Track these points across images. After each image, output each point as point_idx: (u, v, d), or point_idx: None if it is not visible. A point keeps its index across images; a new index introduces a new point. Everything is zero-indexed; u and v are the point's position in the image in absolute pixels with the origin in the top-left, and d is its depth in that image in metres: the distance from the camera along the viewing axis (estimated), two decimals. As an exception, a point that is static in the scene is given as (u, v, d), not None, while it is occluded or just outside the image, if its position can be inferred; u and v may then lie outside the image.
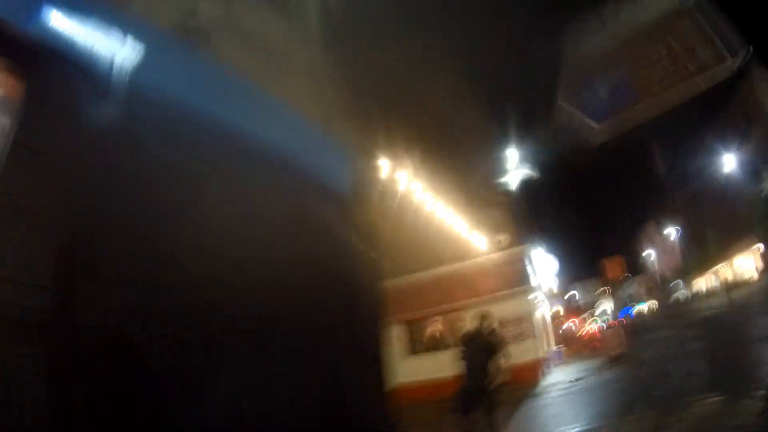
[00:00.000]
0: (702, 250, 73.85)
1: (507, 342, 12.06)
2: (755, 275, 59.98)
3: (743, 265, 64.80)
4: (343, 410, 7.33)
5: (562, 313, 65.14)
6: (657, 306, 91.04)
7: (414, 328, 32.84)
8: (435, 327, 33.36)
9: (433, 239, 29.42)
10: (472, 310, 29.44)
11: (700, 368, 17.53)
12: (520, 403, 21.58)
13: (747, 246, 61.57)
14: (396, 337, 30.71)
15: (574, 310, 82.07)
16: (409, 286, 32.55)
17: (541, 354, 31.62)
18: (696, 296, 75.63)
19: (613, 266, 33.69)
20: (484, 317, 12.97)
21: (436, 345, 32.54)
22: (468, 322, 13.19)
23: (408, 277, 32.64)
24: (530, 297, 32.72)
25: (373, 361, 9.29)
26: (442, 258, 32.70)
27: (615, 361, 28.20)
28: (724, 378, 14.37)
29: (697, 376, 16.23)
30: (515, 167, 33.89)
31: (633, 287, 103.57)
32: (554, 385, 26.09)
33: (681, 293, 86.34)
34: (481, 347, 12.14)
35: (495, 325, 13.13)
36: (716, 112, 63.89)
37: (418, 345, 32.69)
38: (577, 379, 25.94)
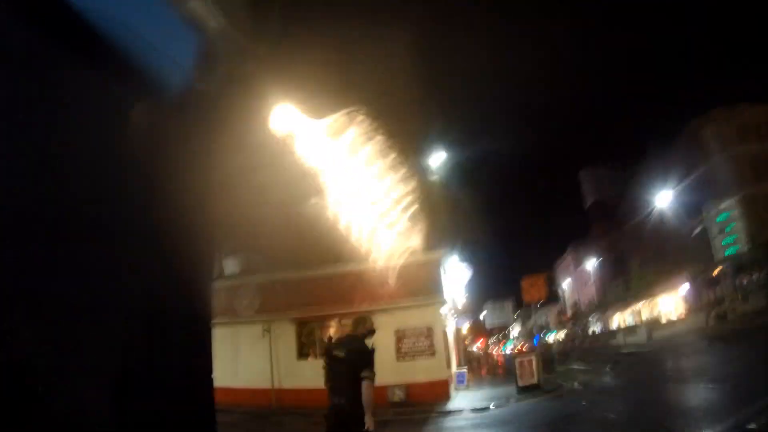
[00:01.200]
0: (623, 285, 72.39)
1: (373, 362, 8.73)
2: (676, 316, 60.22)
3: (666, 304, 64.92)
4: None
5: (469, 332, 61.22)
6: (570, 337, 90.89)
7: (305, 329, 29.60)
8: (328, 331, 30.20)
9: (334, 230, 26.27)
10: (375, 318, 27.16)
11: (618, 410, 16.97)
12: (418, 430, 18.96)
13: (672, 286, 61.39)
14: (281, 336, 29.33)
15: (483, 330, 79.79)
16: (303, 281, 30.15)
17: (445, 375, 28.50)
18: (612, 332, 73.69)
19: (533, 286, 31.52)
20: (359, 322, 9.78)
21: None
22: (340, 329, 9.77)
23: (301, 272, 30.32)
24: (440, 310, 29.25)
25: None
26: (343, 255, 29.50)
27: (526, 391, 25.55)
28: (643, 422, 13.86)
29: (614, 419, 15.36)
30: (439, 168, 30.78)
31: (545, 315, 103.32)
32: (459, 412, 22.73)
33: (595, 327, 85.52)
34: (349, 360, 8.85)
35: (372, 334, 9.59)
36: (660, 147, 64.92)
37: (308, 348, 29.86)
38: (483, 408, 22.66)
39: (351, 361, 8.53)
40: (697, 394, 17.51)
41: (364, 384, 8.20)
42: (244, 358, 29.62)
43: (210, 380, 5.89)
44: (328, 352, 9.40)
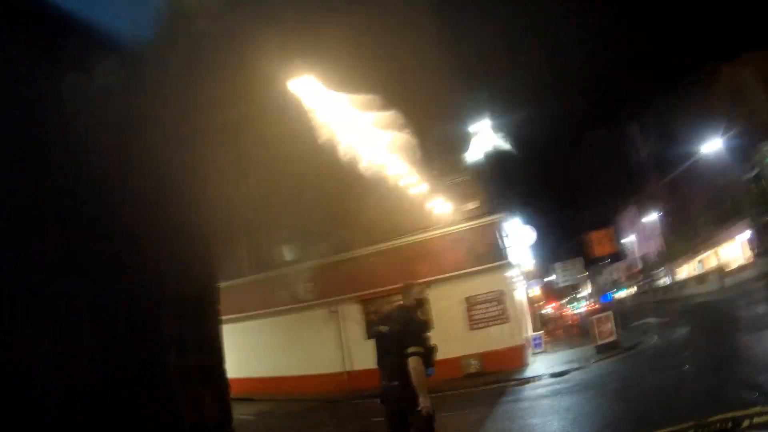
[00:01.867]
0: (686, 237, 70.84)
1: (431, 326, 7.81)
2: (743, 262, 57.89)
3: (730, 252, 63.08)
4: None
5: (540, 295, 60.23)
6: (641, 291, 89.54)
7: (371, 308, 28.27)
8: (426, 314, 28.91)
9: (389, 204, 25.89)
10: (441, 288, 26.65)
11: (706, 366, 15.22)
12: (495, 402, 17.43)
13: (734, 233, 60.49)
14: (350, 318, 28.57)
15: (554, 292, 78.65)
16: (364, 260, 29.31)
17: (519, 340, 27.17)
18: (682, 283, 72.25)
19: (602, 239, 30.57)
20: (406, 290, 8.51)
21: None
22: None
23: (361, 250, 29.52)
24: (506, 274, 28.12)
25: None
26: (402, 227, 29.15)
27: (605, 350, 24.55)
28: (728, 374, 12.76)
29: (706, 376, 13.69)
30: (486, 135, 30.06)
31: (614, 272, 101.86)
32: (536, 378, 21.77)
33: (664, 280, 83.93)
34: (395, 335, 7.82)
35: (422, 304, 8.81)
36: (701, 96, 62.74)
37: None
38: (562, 373, 21.50)
39: (397, 335, 7.63)
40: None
41: (410, 361, 7.26)
42: (312, 344, 29.17)
43: (220, 375, 5.62)
44: (375, 327, 8.68)
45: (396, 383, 7.37)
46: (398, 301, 8.22)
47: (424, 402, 7.09)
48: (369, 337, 22.24)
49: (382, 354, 7.87)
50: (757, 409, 9.12)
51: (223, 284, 34.63)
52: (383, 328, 8.00)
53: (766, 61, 54.05)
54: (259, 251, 32.55)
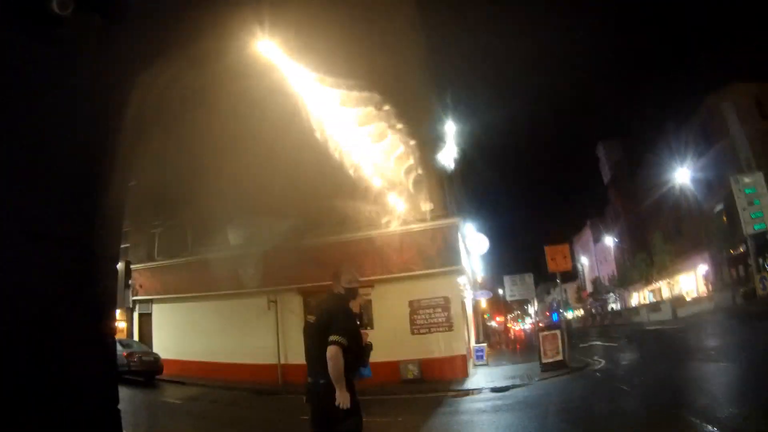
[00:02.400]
0: (641, 265, 70.53)
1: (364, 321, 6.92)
2: (699, 294, 59.20)
3: (686, 284, 64.40)
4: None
5: (487, 307, 59.69)
6: (590, 314, 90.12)
7: (312, 300, 26.69)
8: (360, 304, 27.78)
9: (341, 195, 25.40)
10: (385, 288, 26.38)
11: (654, 393, 15.08)
12: (431, 412, 16.47)
13: (692, 265, 61.59)
14: (290, 309, 27.73)
15: (501, 306, 78.58)
16: (310, 250, 28.06)
17: (461, 350, 26.49)
18: (633, 309, 72.69)
19: (558, 254, 30.24)
20: (336, 277, 7.37)
21: None
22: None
23: (308, 240, 28.59)
24: (454, 281, 27.38)
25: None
26: (352, 220, 28.20)
27: (551, 368, 23.78)
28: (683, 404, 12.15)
29: (653, 404, 13.28)
30: (448, 140, 29.25)
31: (564, 292, 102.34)
32: (476, 391, 20.84)
33: (614, 305, 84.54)
34: (319, 325, 6.81)
35: (355, 294, 7.34)
36: (677, 125, 63.45)
37: (315, 320, 27.40)
38: (504, 388, 20.49)
39: (323, 325, 6.60)
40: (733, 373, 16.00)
41: (329, 350, 6.28)
42: (250, 333, 28.40)
43: (110, 373, 4.70)
44: (305, 318, 7.57)
45: (322, 381, 6.35)
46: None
47: (340, 396, 6.19)
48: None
49: (308, 347, 6.86)
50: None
51: (161, 262, 33.93)
52: (310, 318, 7.08)
53: (746, 92, 54.46)
54: (203, 231, 31.80)
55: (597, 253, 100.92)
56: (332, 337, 6.29)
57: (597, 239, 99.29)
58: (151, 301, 36.04)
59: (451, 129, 29.44)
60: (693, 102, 60.89)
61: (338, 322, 6.49)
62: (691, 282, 63.04)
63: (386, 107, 21.17)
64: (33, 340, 3.94)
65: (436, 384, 23.07)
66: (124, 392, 17.22)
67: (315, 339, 6.59)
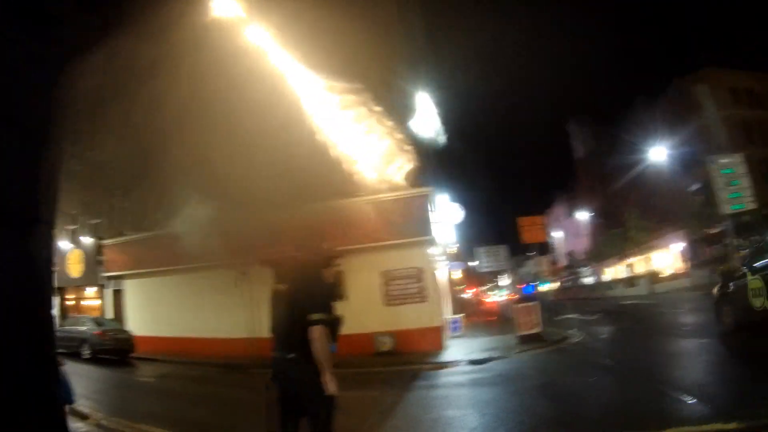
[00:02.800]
0: (616, 240, 70.68)
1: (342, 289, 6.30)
2: (674, 271, 59.74)
3: (662, 260, 64.69)
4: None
5: (461, 278, 59.40)
6: (563, 287, 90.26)
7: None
8: (334, 275, 27.36)
9: (312, 164, 24.35)
10: (357, 259, 25.37)
11: (633, 367, 14.71)
12: (407, 386, 15.86)
13: (668, 242, 62.20)
14: (261, 281, 26.49)
15: (475, 277, 78.47)
16: (280, 220, 26.65)
17: (436, 321, 26.26)
18: (609, 284, 72.96)
19: (532, 225, 29.59)
20: (317, 244, 7.15)
21: None
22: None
23: (278, 210, 26.93)
24: (428, 251, 27.23)
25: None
26: (323, 190, 26.93)
27: (528, 341, 23.39)
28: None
29: (633, 379, 12.99)
30: (424, 109, 28.16)
31: (538, 265, 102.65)
32: (453, 364, 20.44)
33: (589, 279, 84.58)
34: (294, 296, 6.19)
35: (333, 263, 6.75)
36: (655, 106, 64.34)
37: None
38: (482, 360, 20.03)
39: (299, 297, 6.06)
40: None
41: (314, 330, 5.74)
42: (221, 306, 27.68)
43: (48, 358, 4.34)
44: (272, 286, 6.58)
45: (292, 356, 5.83)
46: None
47: (330, 382, 5.70)
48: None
49: (277, 318, 6.24)
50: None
51: (130, 237, 33.49)
52: (281, 286, 6.31)
53: (720, 78, 56.43)
54: (168, 204, 31.41)
55: (570, 228, 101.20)
56: (315, 316, 5.78)
57: (569, 213, 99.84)
58: (122, 277, 35.56)
59: (425, 100, 28.93)
60: (663, 82, 61.32)
61: (316, 296, 5.99)
62: (666, 259, 63.43)
63: (357, 84, 20.88)
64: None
65: (411, 356, 22.68)
66: (96, 372, 16.79)
67: (285, 310, 6.05)
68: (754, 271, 14.73)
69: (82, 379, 20.11)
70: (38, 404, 3.86)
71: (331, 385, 5.65)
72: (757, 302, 14.21)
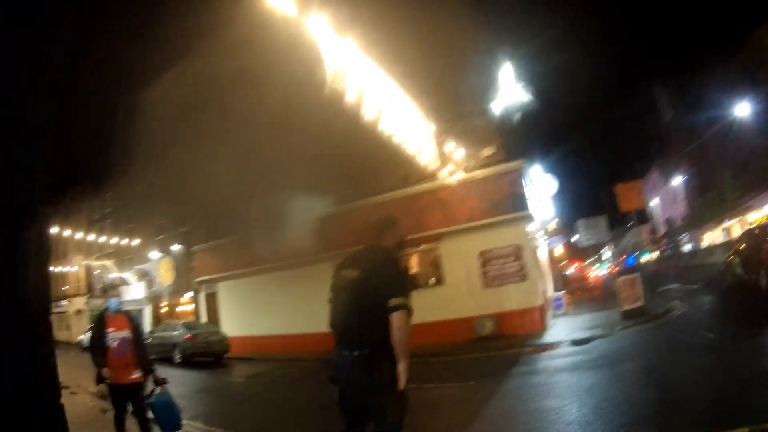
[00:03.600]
0: (712, 203, 68.53)
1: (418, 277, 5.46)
2: None
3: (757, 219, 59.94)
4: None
5: (563, 254, 58.58)
6: (663, 257, 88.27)
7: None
8: (407, 260, 27.73)
9: (397, 150, 23.87)
10: (452, 241, 25.82)
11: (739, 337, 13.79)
12: (505, 373, 15.15)
13: (763, 201, 57.92)
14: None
15: (577, 252, 77.30)
16: (371, 210, 27.13)
17: (538, 301, 25.22)
18: (708, 250, 70.48)
19: (630, 192, 28.25)
20: (383, 226, 6.09)
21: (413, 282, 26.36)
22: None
23: (369, 200, 28.13)
24: (525, 228, 26.06)
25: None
26: (412, 175, 27.81)
27: (632, 316, 22.27)
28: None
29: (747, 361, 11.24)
30: (505, 83, 27.42)
31: (637, 235, 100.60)
32: (555, 345, 19.64)
33: (688, 246, 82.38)
34: (367, 282, 5.41)
35: (402, 247, 6.30)
36: (728, 58, 62.05)
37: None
38: (585, 340, 19.23)
39: (371, 283, 5.30)
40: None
41: (395, 317, 5.07)
42: (314, 302, 27.14)
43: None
44: (335, 272, 5.81)
45: (357, 353, 5.17)
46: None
47: (402, 374, 5.08)
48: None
49: (344, 309, 5.45)
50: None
51: (219, 241, 33.76)
52: (350, 273, 5.50)
53: None
54: (258, 206, 31.55)
55: (667, 195, 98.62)
56: (396, 300, 5.11)
57: (664, 180, 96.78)
58: (214, 280, 35.86)
59: (507, 72, 28.18)
60: (742, 30, 59.32)
61: (398, 281, 5.33)
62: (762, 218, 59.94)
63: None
64: None
65: (512, 339, 21.98)
66: (188, 375, 16.57)
67: (359, 300, 5.30)
68: None
69: (171, 386, 20.57)
70: (35, 403, 3.59)
71: (402, 379, 5.08)
72: None
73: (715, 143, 67.37)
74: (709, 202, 68.96)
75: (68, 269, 64.12)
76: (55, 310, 68.29)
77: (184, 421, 10.35)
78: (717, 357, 12.56)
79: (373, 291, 5.22)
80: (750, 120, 53.20)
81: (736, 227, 64.30)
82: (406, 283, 5.38)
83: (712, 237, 73.83)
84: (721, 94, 56.99)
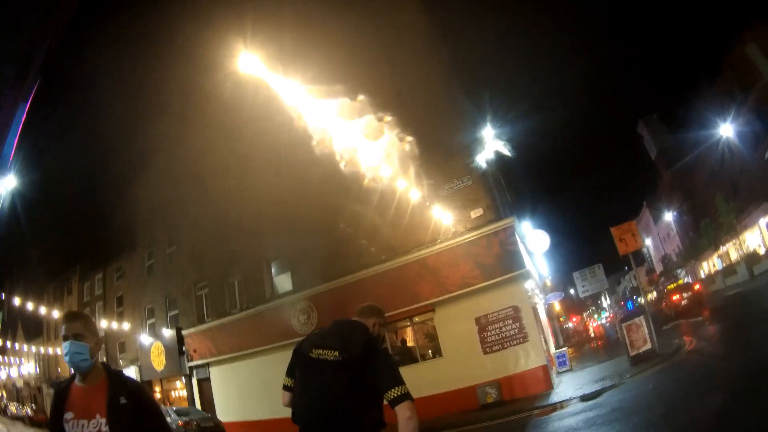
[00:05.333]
0: (706, 231, 68.22)
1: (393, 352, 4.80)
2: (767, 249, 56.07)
3: (753, 240, 60.91)
4: None
5: (560, 310, 57.93)
6: (662, 296, 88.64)
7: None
8: (401, 334, 28.09)
9: (380, 223, 25.19)
10: (447, 309, 25.10)
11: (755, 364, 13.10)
12: None
13: (755, 218, 58.24)
14: None
15: (574, 305, 77.00)
16: (360, 283, 27.41)
17: (541, 360, 24.18)
18: (707, 279, 70.33)
19: (626, 233, 27.78)
20: (369, 313, 5.54)
21: (408, 355, 27.17)
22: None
23: (357, 274, 27.84)
24: (521, 287, 25.30)
25: None
26: (401, 245, 27.21)
27: (641, 361, 21.82)
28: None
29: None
30: (488, 142, 26.94)
31: (633, 278, 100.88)
32: (564, 404, 18.66)
33: (687, 277, 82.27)
34: (351, 366, 4.62)
35: (383, 337, 5.69)
36: (707, 82, 64.49)
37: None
38: (595, 394, 18.27)
39: (352, 364, 4.56)
40: None
41: (403, 407, 4.42)
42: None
43: None
44: (300, 352, 4.99)
45: None
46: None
47: None
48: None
49: (322, 395, 4.56)
50: None
51: (211, 323, 33.45)
52: (327, 355, 4.71)
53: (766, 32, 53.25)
54: (249, 285, 31.10)
55: (660, 232, 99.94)
56: (397, 391, 4.44)
57: (657, 218, 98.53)
58: (207, 365, 35.31)
59: (487, 131, 27.85)
60: (717, 55, 60.41)
61: (390, 368, 4.62)
62: (756, 238, 59.75)
63: (388, 118, 19.93)
64: None
65: (518, 403, 21.17)
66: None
67: (339, 383, 4.53)
68: None
69: None
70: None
71: None
72: None
73: (703, 169, 68.50)
74: (704, 229, 68.53)
75: (59, 352, 63.39)
76: (49, 391, 67.73)
77: None
78: (738, 388, 11.81)
79: (356, 375, 4.55)
80: (736, 141, 53.41)
81: (732, 251, 64.46)
82: (397, 369, 4.64)
83: (709, 266, 74.48)
84: (704, 120, 58.22)
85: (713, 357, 18.06)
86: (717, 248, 68.33)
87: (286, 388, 5.05)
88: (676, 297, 45.49)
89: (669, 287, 58.52)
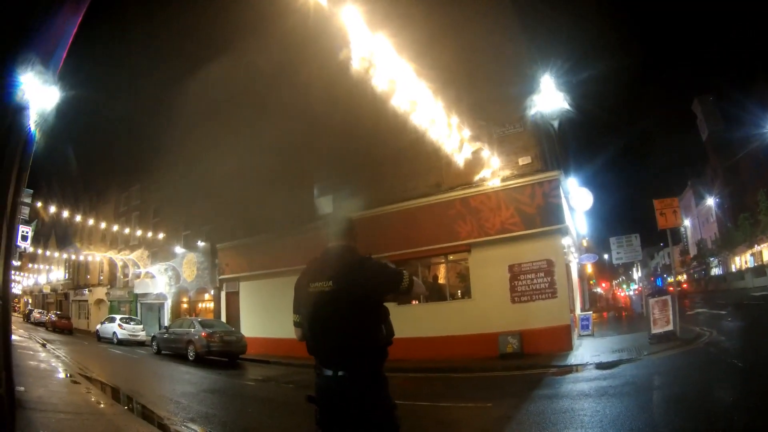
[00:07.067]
0: (744, 225, 67.32)
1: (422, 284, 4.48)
2: None
3: None
4: None
5: (592, 272, 57.78)
6: (693, 279, 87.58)
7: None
8: (434, 270, 28.31)
9: (428, 156, 24.55)
10: (481, 252, 25.45)
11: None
12: (526, 395, 14.58)
13: None
14: None
15: (606, 270, 76.57)
16: (400, 214, 27.89)
17: (566, 319, 24.33)
18: (736, 274, 69.46)
19: (667, 210, 27.69)
20: (345, 229, 5.30)
21: (439, 292, 27.71)
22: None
23: (397, 204, 28.15)
24: (558, 242, 25.37)
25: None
26: (442, 183, 27.36)
27: (660, 340, 21.90)
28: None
29: None
30: (546, 92, 26.68)
31: (666, 256, 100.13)
32: (580, 368, 18.94)
33: (718, 268, 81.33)
34: (347, 293, 4.66)
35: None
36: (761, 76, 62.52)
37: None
38: (611, 364, 18.58)
39: (352, 295, 4.64)
40: None
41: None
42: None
43: None
44: (299, 287, 5.14)
45: (342, 374, 4.63)
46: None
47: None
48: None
49: (322, 327, 4.82)
50: None
51: (244, 240, 33.75)
52: (322, 286, 4.80)
53: None
54: (286, 204, 31.11)
55: (700, 215, 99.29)
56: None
57: (699, 201, 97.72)
58: (237, 279, 35.87)
59: (546, 81, 27.73)
60: None
61: (388, 274, 4.79)
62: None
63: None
64: None
65: (536, 358, 21.36)
66: (199, 373, 16.13)
67: (338, 316, 4.68)
68: None
69: (179, 383, 20.82)
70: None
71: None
72: None
73: (751, 162, 66.83)
74: (742, 223, 67.57)
75: (91, 259, 63.72)
76: (75, 298, 67.92)
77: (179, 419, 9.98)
78: (748, 389, 12.11)
79: (354, 303, 4.66)
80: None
81: (765, 252, 63.09)
82: (391, 266, 4.86)
83: (741, 261, 73.11)
84: (760, 113, 56.26)
85: (729, 353, 18.04)
86: (751, 245, 67.85)
87: (296, 324, 5.25)
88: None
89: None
